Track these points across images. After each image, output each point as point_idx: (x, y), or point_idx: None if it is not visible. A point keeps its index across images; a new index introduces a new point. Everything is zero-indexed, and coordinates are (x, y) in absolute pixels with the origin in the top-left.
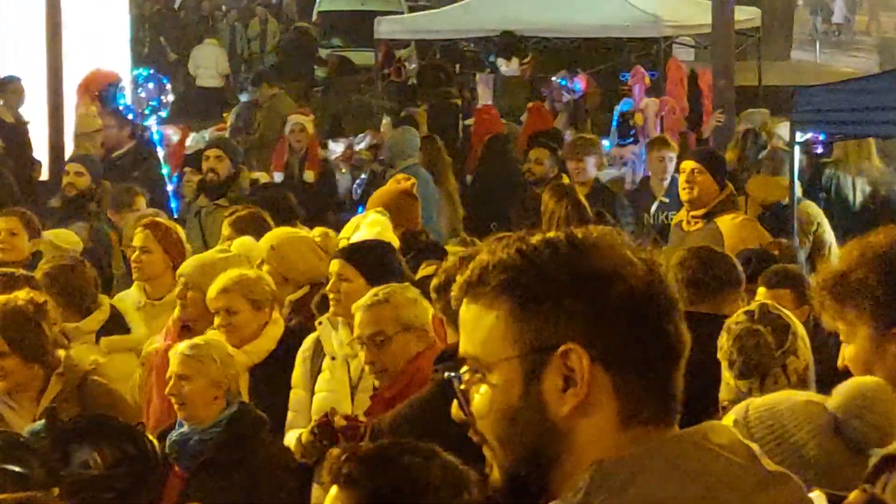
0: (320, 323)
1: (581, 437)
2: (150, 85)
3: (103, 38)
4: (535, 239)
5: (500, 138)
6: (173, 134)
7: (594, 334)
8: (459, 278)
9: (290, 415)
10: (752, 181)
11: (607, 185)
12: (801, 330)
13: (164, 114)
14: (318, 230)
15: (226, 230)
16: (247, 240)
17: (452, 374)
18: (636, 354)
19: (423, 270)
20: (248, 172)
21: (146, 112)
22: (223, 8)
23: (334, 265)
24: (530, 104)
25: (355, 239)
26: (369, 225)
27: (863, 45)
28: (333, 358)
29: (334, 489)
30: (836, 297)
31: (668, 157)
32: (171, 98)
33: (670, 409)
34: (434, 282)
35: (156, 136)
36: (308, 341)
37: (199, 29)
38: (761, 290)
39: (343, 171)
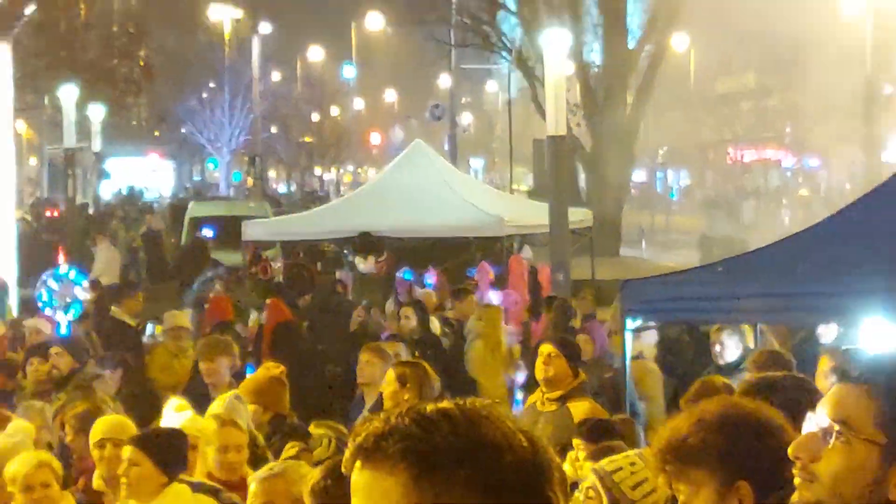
0: None
1: None
2: (68, 283)
3: None
4: (430, 409)
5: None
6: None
7: (487, 501)
8: (351, 444)
9: None
10: None
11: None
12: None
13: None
14: None
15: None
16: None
17: None
18: None
19: (287, 451)
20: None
21: (68, 307)
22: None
23: (125, 451)
24: (268, 300)
25: (166, 423)
26: (175, 409)
27: (684, 243)
28: None
29: None
30: (680, 460)
31: None
32: (87, 296)
33: None
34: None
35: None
36: None
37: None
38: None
39: None
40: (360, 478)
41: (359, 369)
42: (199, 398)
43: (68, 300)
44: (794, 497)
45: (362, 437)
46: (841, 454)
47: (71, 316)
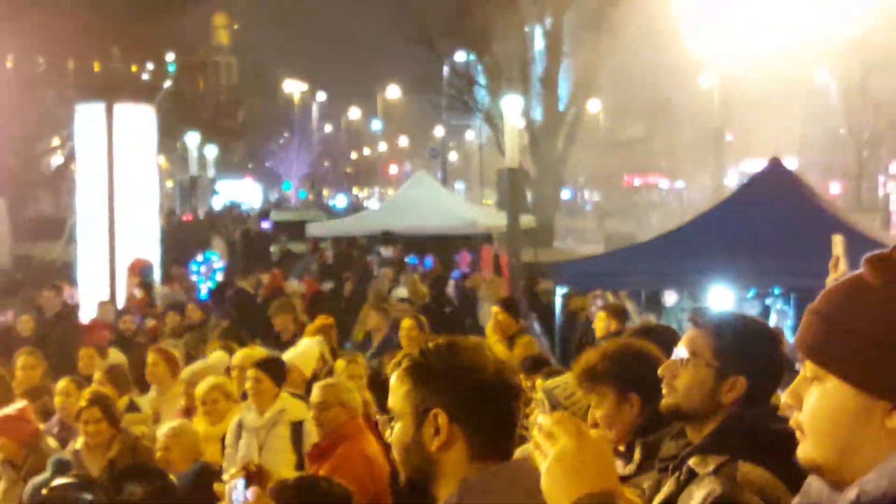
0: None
1: (445, 464)
2: (209, 264)
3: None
4: (431, 343)
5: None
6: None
7: (454, 404)
8: (393, 361)
9: (224, 464)
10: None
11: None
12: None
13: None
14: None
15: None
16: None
17: (380, 417)
18: (482, 418)
19: (338, 369)
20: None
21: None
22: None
23: (251, 373)
24: (273, 270)
25: (290, 353)
26: (297, 345)
27: (595, 238)
28: (248, 430)
29: None
30: (591, 379)
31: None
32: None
33: (506, 451)
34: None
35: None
36: (235, 418)
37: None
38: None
39: None
40: (394, 382)
41: (368, 320)
42: (273, 339)
43: (209, 274)
44: (662, 402)
45: (398, 358)
46: (690, 373)
47: (209, 285)
